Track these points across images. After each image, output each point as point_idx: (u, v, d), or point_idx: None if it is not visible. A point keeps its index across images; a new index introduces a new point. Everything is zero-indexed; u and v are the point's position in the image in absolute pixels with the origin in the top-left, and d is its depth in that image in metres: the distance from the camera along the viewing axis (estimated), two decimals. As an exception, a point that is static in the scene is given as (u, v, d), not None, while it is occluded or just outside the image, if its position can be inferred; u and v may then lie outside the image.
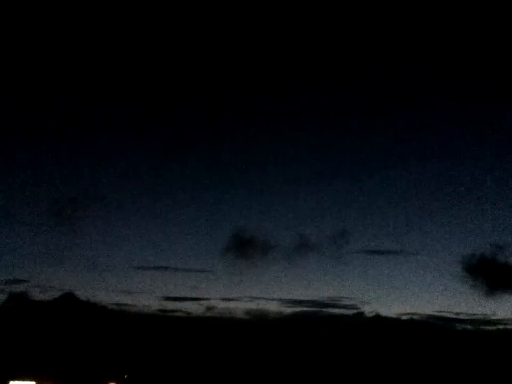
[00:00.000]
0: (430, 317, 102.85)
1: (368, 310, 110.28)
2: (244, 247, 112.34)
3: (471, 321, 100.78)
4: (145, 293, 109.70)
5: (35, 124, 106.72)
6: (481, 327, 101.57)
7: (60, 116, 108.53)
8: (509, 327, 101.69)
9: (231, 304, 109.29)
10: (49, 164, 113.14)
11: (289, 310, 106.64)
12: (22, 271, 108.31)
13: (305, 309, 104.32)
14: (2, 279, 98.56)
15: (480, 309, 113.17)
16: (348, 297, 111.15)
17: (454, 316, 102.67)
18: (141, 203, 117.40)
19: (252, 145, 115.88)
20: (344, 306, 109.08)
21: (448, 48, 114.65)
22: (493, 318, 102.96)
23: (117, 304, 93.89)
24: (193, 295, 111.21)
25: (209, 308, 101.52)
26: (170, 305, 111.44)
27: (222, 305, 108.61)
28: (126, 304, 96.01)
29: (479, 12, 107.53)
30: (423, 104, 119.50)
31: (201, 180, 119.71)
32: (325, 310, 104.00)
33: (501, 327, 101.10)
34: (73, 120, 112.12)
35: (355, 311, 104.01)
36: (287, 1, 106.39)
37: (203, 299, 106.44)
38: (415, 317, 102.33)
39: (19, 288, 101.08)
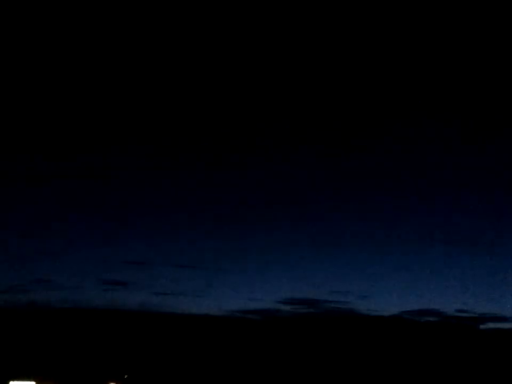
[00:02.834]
0: (452, 316, 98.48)
1: (385, 307, 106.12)
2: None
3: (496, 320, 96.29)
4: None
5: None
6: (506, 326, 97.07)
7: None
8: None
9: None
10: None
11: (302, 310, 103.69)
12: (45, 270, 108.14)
13: (311, 309, 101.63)
14: (27, 279, 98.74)
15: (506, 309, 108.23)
16: (363, 296, 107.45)
17: (477, 316, 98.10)
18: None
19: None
20: (357, 304, 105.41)
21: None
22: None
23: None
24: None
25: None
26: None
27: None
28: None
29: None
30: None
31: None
32: (338, 308, 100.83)
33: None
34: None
35: (371, 310, 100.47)
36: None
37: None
38: (434, 317, 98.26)
39: (42, 287, 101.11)
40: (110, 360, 75.51)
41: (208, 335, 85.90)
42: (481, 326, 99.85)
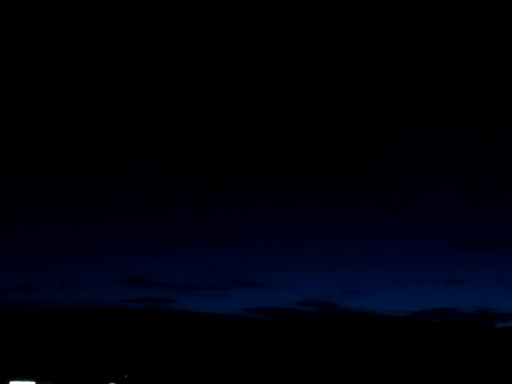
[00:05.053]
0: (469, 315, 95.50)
1: (402, 307, 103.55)
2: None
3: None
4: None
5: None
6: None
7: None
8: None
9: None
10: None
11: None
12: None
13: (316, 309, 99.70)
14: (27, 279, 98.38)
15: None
16: (380, 296, 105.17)
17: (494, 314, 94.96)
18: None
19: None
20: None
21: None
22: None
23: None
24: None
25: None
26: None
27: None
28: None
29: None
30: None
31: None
32: (355, 308, 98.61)
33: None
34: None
35: (385, 310, 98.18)
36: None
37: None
38: (452, 316, 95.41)
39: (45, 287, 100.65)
40: (110, 360, 74.83)
41: (213, 335, 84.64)
42: (498, 325, 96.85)
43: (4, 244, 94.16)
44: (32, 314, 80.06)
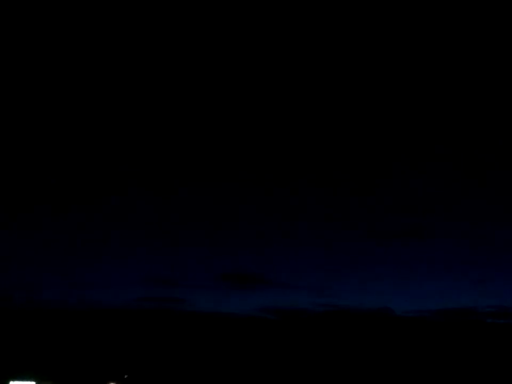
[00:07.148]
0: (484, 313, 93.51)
1: (418, 307, 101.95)
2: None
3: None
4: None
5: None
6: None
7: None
8: None
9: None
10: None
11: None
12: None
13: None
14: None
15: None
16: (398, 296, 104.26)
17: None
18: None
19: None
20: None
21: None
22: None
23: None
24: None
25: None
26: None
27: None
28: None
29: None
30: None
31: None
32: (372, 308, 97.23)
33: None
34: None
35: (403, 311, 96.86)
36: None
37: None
38: (468, 316, 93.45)
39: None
40: (110, 360, 74.13)
41: (219, 334, 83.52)
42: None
43: (8, 243, 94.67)
44: (33, 314, 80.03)
